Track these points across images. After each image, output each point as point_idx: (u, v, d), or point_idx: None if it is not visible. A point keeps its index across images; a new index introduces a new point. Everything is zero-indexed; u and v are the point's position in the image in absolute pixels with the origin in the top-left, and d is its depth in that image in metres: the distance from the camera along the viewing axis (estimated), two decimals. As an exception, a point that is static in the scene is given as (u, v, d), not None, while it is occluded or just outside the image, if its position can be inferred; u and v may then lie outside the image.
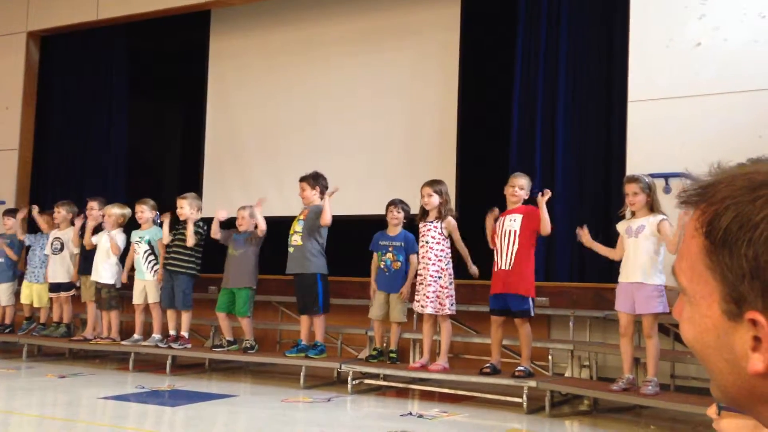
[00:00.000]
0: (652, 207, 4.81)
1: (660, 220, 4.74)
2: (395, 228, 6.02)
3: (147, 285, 6.88)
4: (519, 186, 5.34)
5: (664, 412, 5.02)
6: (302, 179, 6.29)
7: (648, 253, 4.75)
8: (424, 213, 5.75)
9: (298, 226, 6.17)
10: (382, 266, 6.00)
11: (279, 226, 6.72)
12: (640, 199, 4.81)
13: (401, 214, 6.00)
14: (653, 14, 5.91)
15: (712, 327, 0.72)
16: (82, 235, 7.30)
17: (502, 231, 5.35)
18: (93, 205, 7.39)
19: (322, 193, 6.22)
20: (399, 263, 5.94)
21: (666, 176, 5.56)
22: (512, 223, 5.31)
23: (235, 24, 8.56)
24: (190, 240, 6.59)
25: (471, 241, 5.91)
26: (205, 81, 8.70)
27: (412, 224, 5.91)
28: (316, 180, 6.24)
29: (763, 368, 0.69)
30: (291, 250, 6.17)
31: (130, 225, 7.22)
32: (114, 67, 9.17)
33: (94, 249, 7.17)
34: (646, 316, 4.72)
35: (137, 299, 6.91)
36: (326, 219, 6.01)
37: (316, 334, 6.16)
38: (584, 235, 5.13)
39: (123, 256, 7.12)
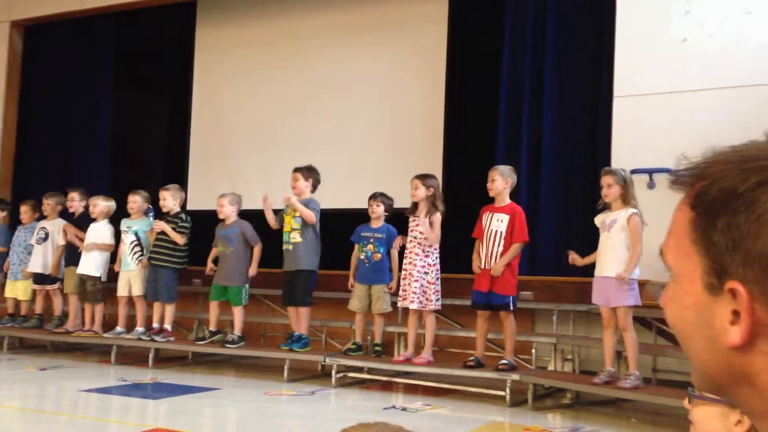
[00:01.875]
0: (627, 201, 4.83)
1: (630, 215, 4.76)
2: (377, 221, 6.02)
3: (131, 277, 6.83)
4: (491, 178, 5.37)
5: (646, 405, 5.06)
6: (297, 170, 6.24)
7: (619, 247, 4.78)
8: (414, 207, 5.75)
9: (295, 223, 6.11)
10: (362, 257, 6.00)
11: (263, 218, 6.67)
12: (613, 192, 4.84)
13: (380, 208, 5.98)
14: (639, 10, 5.92)
15: (693, 304, 0.72)
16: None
17: (488, 229, 5.36)
18: (74, 196, 7.37)
19: (315, 187, 6.19)
20: (379, 255, 5.94)
21: (650, 171, 5.58)
22: (499, 223, 5.32)
23: (221, 15, 8.50)
24: (180, 240, 6.58)
25: (456, 234, 5.91)
26: (190, 72, 8.64)
27: (402, 218, 5.89)
28: (310, 172, 6.21)
29: (740, 340, 0.68)
30: (290, 248, 6.10)
31: (116, 216, 7.18)
32: (98, 58, 9.08)
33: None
34: (619, 309, 4.76)
35: (122, 291, 6.87)
36: (309, 218, 5.98)
37: (300, 327, 6.15)
38: (576, 260, 5.11)
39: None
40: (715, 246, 0.70)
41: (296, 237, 6.08)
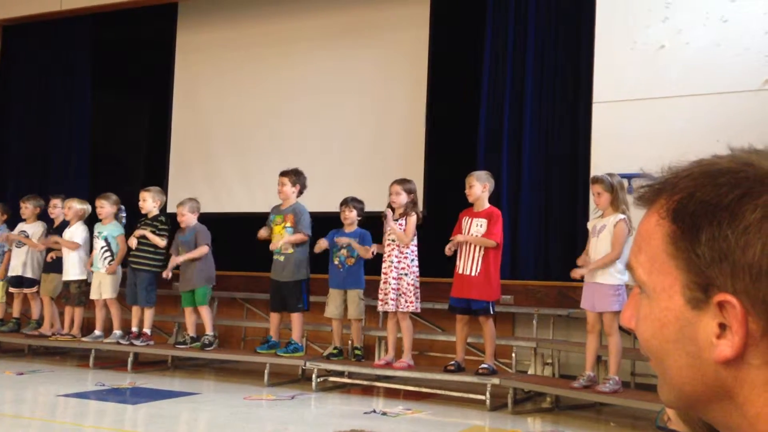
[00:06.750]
0: (617, 206, 4.85)
1: (618, 220, 4.79)
2: (350, 226, 6.01)
3: (102, 280, 6.77)
4: (468, 185, 5.36)
5: (625, 410, 5.09)
6: (283, 174, 6.21)
7: (605, 253, 4.80)
8: (391, 211, 5.75)
9: (286, 235, 6.07)
10: (336, 263, 5.98)
11: (244, 221, 6.67)
12: (603, 200, 4.86)
13: (353, 213, 5.97)
14: (618, 17, 5.98)
15: (673, 319, 0.71)
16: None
17: (467, 234, 5.35)
18: (56, 203, 7.32)
19: (301, 192, 6.17)
20: (353, 259, 5.93)
21: (629, 177, 5.61)
22: (478, 228, 5.32)
23: (202, 17, 8.47)
24: (160, 243, 6.55)
25: (436, 238, 5.92)
26: (171, 74, 8.59)
27: (378, 221, 5.89)
28: (297, 177, 6.18)
29: (732, 353, 0.67)
30: (280, 258, 6.05)
31: (93, 219, 7.12)
32: (78, 59, 9.01)
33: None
34: (605, 314, 4.79)
35: (94, 294, 6.81)
36: (301, 240, 6.00)
37: (293, 333, 6.11)
38: (580, 272, 4.98)
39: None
40: (699, 259, 0.69)
41: (288, 248, 6.05)
